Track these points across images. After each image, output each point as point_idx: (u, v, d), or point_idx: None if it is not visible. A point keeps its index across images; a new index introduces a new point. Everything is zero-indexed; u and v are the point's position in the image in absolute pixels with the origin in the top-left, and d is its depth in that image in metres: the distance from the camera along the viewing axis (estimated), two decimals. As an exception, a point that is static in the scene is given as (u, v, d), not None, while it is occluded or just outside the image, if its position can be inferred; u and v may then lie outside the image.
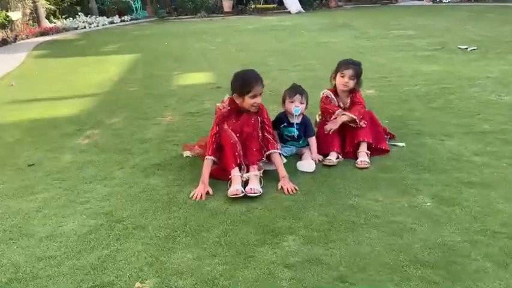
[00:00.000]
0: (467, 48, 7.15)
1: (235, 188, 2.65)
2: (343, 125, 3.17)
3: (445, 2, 17.59)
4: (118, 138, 3.81)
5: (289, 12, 16.62)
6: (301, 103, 3.15)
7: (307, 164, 2.96)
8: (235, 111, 2.99)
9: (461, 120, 3.83)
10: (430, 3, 17.78)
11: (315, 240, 2.17)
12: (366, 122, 3.15)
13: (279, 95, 4.96)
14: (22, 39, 12.03)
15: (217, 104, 3.16)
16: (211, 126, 3.02)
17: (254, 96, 2.88)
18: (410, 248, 2.07)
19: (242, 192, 2.62)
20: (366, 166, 2.95)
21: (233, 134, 2.89)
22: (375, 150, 3.14)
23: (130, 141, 3.70)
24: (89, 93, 5.45)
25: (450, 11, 13.45)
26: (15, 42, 11.29)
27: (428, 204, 2.46)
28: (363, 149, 3.06)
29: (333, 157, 3.04)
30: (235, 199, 2.59)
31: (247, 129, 2.89)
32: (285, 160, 3.00)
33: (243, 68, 5.44)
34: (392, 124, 3.79)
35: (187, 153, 3.31)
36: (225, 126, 2.92)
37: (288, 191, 2.68)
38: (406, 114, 4.07)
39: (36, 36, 12.65)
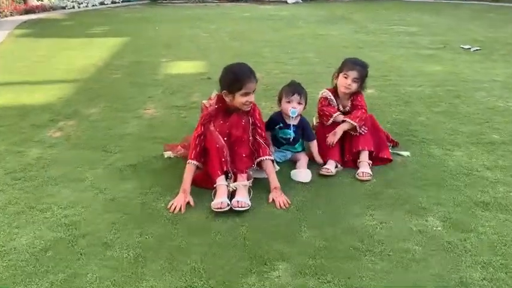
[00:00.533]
0: (470, 49, 6.86)
1: (220, 200, 2.32)
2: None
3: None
4: (94, 132, 3.44)
5: (286, 1, 16.18)
6: (299, 103, 2.82)
7: (302, 174, 2.63)
8: (224, 110, 2.63)
9: (468, 127, 3.54)
10: (431, -1, 17.44)
11: (309, 271, 1.85)
12: (366, 129, 2.83)
13: (273, 90, 4.65)
14: (6, 16, 11.46)
15: (204, 102, 2.81)
16: (197, 122, 2.68)
17: (246, 94, 2.53)
18: (422, 285, 1.77)
19: (228, 205, 2.29)
20: (367, 178, 2.63)
21: (220, 136, 2.54)
22: (376, 159, 2.83)
23: (106, 136, 3.34)
24: (69, 78, 5.04)
25: (452, 9, 13.12)
26: (-3, 19, 10.73)
27: (439, 228, 2.16)
28: (364, 159, 2.75)
29: (331, 166, 2.72)
30: (219, 213, 2.26)
31: (236, 132, 2.55)
32: (277, 168, 2.67)
33: (236, 58, 5.05)
34: (394, 129, 3.48)
35: (168, 153, 2.97)
36: (211, 127, 2.56)
37: (280, 205, 2.36)
38: (410, 118, 3.76)
39: (21, 14, 12.06)
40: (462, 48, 6.94)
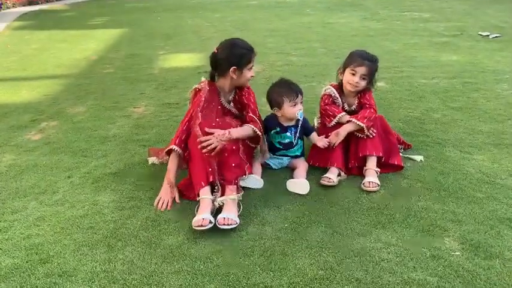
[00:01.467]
0: (488, 36, 6.40)
1: (202, 216, 2.01)
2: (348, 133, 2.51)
3: (460, -17, 16.59)
4: (76, 134, 3.16)
5: (295, -12, 15.65)
6: (301, 103, 2.51)
7: (300, 185, 2.31)
8: (217, 100, 2.40)
9: (489, 126, 3.17)
10: (445, -17, 16.75)
11: (301, 310, 1.55)
12: (375, 131, 2.49)
13: (275, 84, 4.32)
14: (8, 8, 11.26)
15: (196, 85, 2.50)
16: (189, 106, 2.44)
17: (251, 68, 2.40)
18: (436, 332, 1.46)
19: (210, 222, 1.99)
20: (375, 189, 2.30)
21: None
22: (385, 166, 2.49)
23: (89, 139, 3.06)
24: (58, 74, 4.77)
25: (467, -7, 12.50)
26: (-1, 10, 10.54)
27: (457, 253, 1.83)
28: (371, 166, 2.41)
29: (333, 175, 2.39)
30: (201, 234, 1.97)
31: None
32: (260, 184, 2.36)
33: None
34: (407, 128, 3.14)
35: (152, 159, 2.68)
36: (196, 128, 2.25)
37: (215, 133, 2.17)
38: (424, 116, 3.40)
39: (24, 5, 11.88)
40: (480, 35, 6.48)
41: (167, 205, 2.20)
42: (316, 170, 2.53)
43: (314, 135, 2.59)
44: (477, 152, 2.76)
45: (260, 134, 2.39)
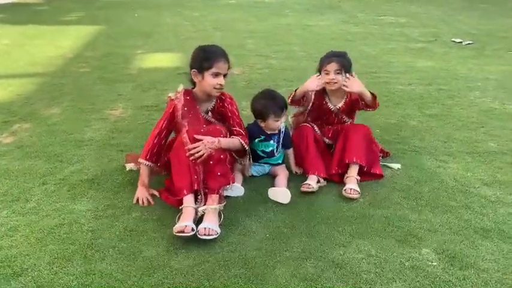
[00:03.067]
0: (461, 42, 6.59)
1: (185, 223, 1.99)
2: (338, 135, 2.58)
3: (435, -12, 17.01)
4: (51, 137, 3.07)
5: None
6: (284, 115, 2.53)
7: (281, 194, 2.31)
8: (193, 105, 2.34)
9: (463, 134, 3.26)
10: (420, -12, 17.13)
11: (283, 324, 1.55)
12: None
13: (255, 88, 4.27)
14: (-23, 0, 10.82)
15: (170, 94, 2.47)
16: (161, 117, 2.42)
17: (216, 75, 2.27)
18: None
19: (192, 230, 1.97)
20: (355, 196, 2.33)
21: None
22: (366, 174, 2.53)
23: (64, 143, 2.98)
24: (32, 72, 4.62)
25: (442, -1, 12.84)
26: (-34, 3, 10.12)
27: (434, 263, 1.87)
28: (353, 173, 2.44)
29: (312, 182, 2.40)
30: (182, 245, 1.94)
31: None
32: (241, 192, 2.35)
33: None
34: (385, 135, 3.19)
35: (130, 165, 2.63)
36: (184, 134, 2.22)
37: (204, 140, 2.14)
38: (401, 122, 3.47)
39: (-6, -2, 11.42)
40: (454, 41, 6.67)
41: (148, 201, 2.25)
42: (296, 178, 2.55)
43: (291, 155, 2.62)
44: (452, 161, 2.84)
45: (247, 148, 2.38)
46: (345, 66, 2.58)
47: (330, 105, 2.71)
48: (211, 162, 2.18)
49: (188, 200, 2.11)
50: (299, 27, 7.80)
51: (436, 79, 4.65)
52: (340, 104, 2.70)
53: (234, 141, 2.33)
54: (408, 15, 9.42)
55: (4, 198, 2.30)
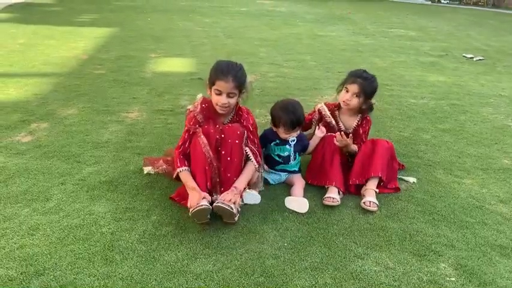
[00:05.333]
0: (473, 58, 6.62)
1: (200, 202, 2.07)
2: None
3: (443, 3, 17.12)
4: (68, 138, 3.09)
5: (284, -3, 15.79)
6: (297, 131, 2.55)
7: (298, 203, 2.33)
8: (211, 112, 2.37)
9: (477, 150, 3.27)
10: (429, 2, 17.27)
11: (304, 333, 1.56)
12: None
13: (268, 95, 4.34)
14: (-9, -2, 10.92)
15: (189, 107, 2.50)
16: (183, 129, 2.41)
17: (218, 93, 2.27)
18: None
19: (209, 205, 2.08)
20: (374, 209, 2.34)
21: (210, 150, 2.25)
22: (382, 188, 2.54)
23: (82, 144, 3.00)
24: (47, 72, 4.66)
25: (451, 14, 12.92)
26: (-19, 1, 10.22)
27: (452, 279, 1.88)
28: (372, 186, 2.45)
29: (335, 194, 2.40)
30: (201, 249, 1.95)
31: (227, 148, 2.27)
32: (258, 200, 2.36)
33: (230, 57, 4.75)
34: (399, 148, 3.20)
35: (148, 169, 2.65)
36: (201, 135, 2.26)
37: (224, 199, 2.12)
38: (414, 136, 3.48)
39: (8, -3, 11.54)
40: (465, 57, 6.69)
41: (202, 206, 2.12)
42: (312, 188, 2.56)
43: (311, 141, 2.64)
44: (466, 176, 2.85)
45: (258, 167, 2.38)
46: (366, 92, 2.58)
47: (342, 127, 2.72)
48: (228, 174, 2.25)
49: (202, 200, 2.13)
50: (310, 37, 7.85)
51: (448, 94, 4.67)
52: (351, 130, 2.71)
53: (249, 172, 2.32)
54: (418, 28, 9.46)
55: (24, 197, 2.32)
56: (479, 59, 6.55)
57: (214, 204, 2.09)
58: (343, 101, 2.62)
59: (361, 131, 2.67)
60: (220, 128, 2.30)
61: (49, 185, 2.45)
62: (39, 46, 5.87)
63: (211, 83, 2.30)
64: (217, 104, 2.30)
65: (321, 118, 2.75)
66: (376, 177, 2.45)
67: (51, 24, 7.63)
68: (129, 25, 7.99)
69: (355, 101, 2.59)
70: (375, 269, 1.91)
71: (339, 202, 2.38)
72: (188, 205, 2.10)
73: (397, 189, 2.57)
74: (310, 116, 2.81)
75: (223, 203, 2.07)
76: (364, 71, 2.65)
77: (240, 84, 2.30)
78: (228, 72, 2.25)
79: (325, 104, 2.80)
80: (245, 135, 2.34)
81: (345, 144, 2.54)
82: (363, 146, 2.60)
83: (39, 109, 3.59)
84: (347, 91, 2.60)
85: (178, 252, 1.95)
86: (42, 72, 4.64)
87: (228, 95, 2.27)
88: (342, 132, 2.54)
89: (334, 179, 2.45)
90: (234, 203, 2.11)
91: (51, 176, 2.55)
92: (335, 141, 2.52)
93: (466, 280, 1.87)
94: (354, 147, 2.60)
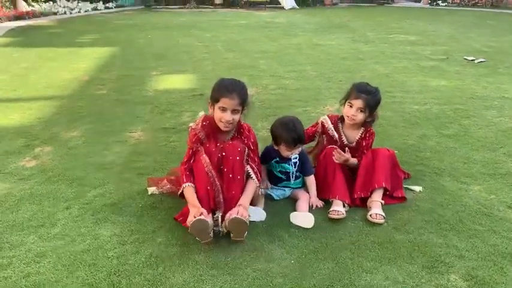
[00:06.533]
0: (474, 60, 6.60)
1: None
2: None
3: (442, 5, 17.16)
4: (72, 160, 3.11)
5: (282, 7, 15.93)
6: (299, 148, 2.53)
7: (304, 218, 2.31)
8: (212, 130, 2.37)
9: (483, 155, 3.24)
10: (427, 5, 17.33)
11: None
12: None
13: (270, 108, 4.35)
14: (-6, 22, 11.12)
15: (190, 124, 2.51)
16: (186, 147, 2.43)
17: (223, 110, 2.29)
18: None
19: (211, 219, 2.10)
20: (381, 221, 2.32)
21: (212, 169, 2.25)
22: (388, 198, 2.51)
23: (86, 166, 3.01)
24: (50, 95, 4.71)
25: (450, 16, 12.94)
26: (-16, 26, 10.39)
27: (464, 291, 1.85)
28: (377, 198, 2.43)
29: (340, 207, 2.39)
30: (208, 270, 1.94)
31: (229, 165, 2.26)
32: (263, 217, 2.35)
33: (231, 71, 4.77)
34: (404, 156, 3.18)
35: (152, 189, 2.65)
36: (203, 153, 2.28)
37: (236, 213, 2.10)
38: (418, 143, 3.46)
39: (10, 21, 11.74)
40: (466, 59, 6.68)
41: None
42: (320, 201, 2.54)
43: (312, 183, 2.56)
44: (473, 182, 2.82)
45: (258, 185, 2.38)
46: (370, 107, 2.56)
47: (345, 140, 2.71)
48: (233, 192, 2.24)
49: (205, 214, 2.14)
50: (310, 47, 7.88)
51: (451, 98, 4.65)
52: (354, 143, 2.69)
53: (251, 190, 2.31)
54: (418, 33, 9.48)
55: (30, 224, 2.32)
56: (481, 61, 6.53)
57: (229, 218, 2.07)
58: (348, 116, 2.60)
59: (364, 144, 2.65)
60: (221, 146, 2.31)
61: (54, 210, 2.45)
62: (42, 69, 5.94)
63: (215, 100, 2.31)
64: (221, 121, 2.31)
65: (324, 131, 2.74)
66: (381, 188, 2.43)
67: (53, 46, 7.73)
68: (130, 44, 8.08)
69: (360, 116, 2.58)
70: (384, 283, 1.88)
71: (345, 215, 2.36)
72: (187, 221, 2.10)
73: (403, 199, 2.54)
74: (313, 128, 2.79)
75: (236, 216, 2.06)
76: (367, 84, 2.64)
77: (244, 101, 2.33)
78: (233, 89, 2.29)
79: (328, 116, 2.78)
80: (246, 151, 2.34)
81: (344, 160, 2.52)
82: (364, 158, 2.58)
83: (42, 133, 3.62)
84: (351, 106, 2.58)
85: (185, 274, 1.93)
86: (45, 96, 4.68)
87: (233, 112, 2.29)
88: (339, 150, 2.52)
89: (338, 192, 2.43)
90: (244, 215, 2.11)
91: (56, 201, 2.55)
92: (334, 159, 2.50)
93: (478, 291, 1.84)
94: (354, 161, 2.58)
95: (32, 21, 11.72)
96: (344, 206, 2.43)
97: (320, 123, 2.77)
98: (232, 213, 2.11)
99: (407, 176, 2.83)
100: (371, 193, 2.46)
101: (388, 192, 2.48)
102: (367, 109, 2.55)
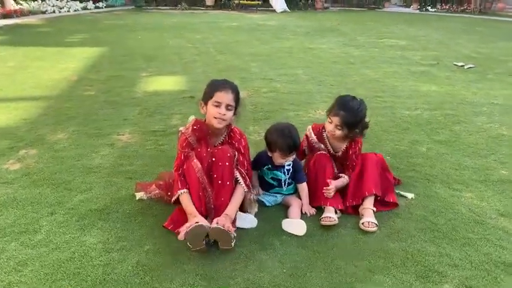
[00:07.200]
0: (463, 66, 6.65)
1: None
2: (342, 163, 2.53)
3: (431, 11, 17.34)
4: (58, 164, 3.02)
5: (274, 10, 15.94)
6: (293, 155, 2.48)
7: (296, 225, 2.26)
8: (202, 135, 2.32)
9: (474, 161, 3.24)
10: (417, 11, 17.49)
11: None
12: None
13: (261, 112, 4.30)
14: (-20, 21, 10.91)
15: (181, 128, 2.45)
16: (176, 151, 2.39)
17: (217, 105, 2.25)
18: None
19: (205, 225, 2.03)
20: (373, 229, 2.28)
21: (204, 174, 2.21)
22: (380, 204, 2.48)
23: (72, 170, 2.93)
24: (37, 95, 4.60)
25: (439, 22, 13.06)
26: (-30, 24, 10.19)
27: (458, 301, 1.82)
28: (369, 205, 2.39)
29: (332, 214, 2.35)
30: (198, 280, 1.88)
31: (218, 171, 2.23)
32: (254, 224, 2.30)
33: (222, 73, 4.70)
34: (395, 162, 3.16)
35: (140, 194, 2.58)
36: (194, 159, 2.24)
37: (216, 222, 2.06)
38: (410, 149, 3.44)
39: (-2, 19, 11.53)
40: (455, 65, 6.72)
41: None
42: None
43: (304, 191, 2.51)
44: (465, 189, 2.80)
45: (247, 191, 2.32)
46: (348, 125, 2.44)
47: (331, 149, 2.65)
48: (222, 198, 2.22)
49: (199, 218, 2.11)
50: (301, 50, 7.86)
51: (441, 104, 4.66)
52: (340, 153, 2.64)
53: (239, 197, 2.27)
54: (408, 38, 9.54)
55: (12, 230, 2.23)
56: (470, 67, 6.58)
57: (211, 227, 2.04)
58: (328, 132, 2.56)
59: (351, 152, 2.60)
60: (211, 151, 2.26)
61: (38, 216, 2.37)
62: (29, 68, 5.82)
63: (209, 96, 2.28)
64: (214, 117, 2.27)
65: (309, 143, 2.67)
66: (372, 195, 2.40)
67: (41, 46, 7.60)
68: (119, 44, 7.97)
69: (338, 133, 2.50)
70: (378, 293, 1.85)
71: (337, 221, 2.32)
72: (184, 227, 2.06)
73: (395, 205, 2.51)
74: (303, 143, 2.67)
75: (217, 226, 2.02)
76: (353, 98, 2.52)
77: (238, 98, 2.32)
78: (228, 85, 2.31)
79: (312, 127, 2.69)
80: (236, 157, 2.30)
81: (334, 190, 2.45)
82: (352, 167, 2.54)
83: (28, 135, 3.52)
84: (330, 122, 2.51)
85: (173, 283, 1.87)
86: (32, 96, 4.58)
87: (227, 107, 2.26)
88: (326, 188, 2.44)
89: (329, 199, 2.40)
90: (229, 228, 2.06)
91: (40, 206, 2.47)
92: (325, 195, 2.42)
93: (472, 302, 1.81)
94: (345, 181, 2.52)
95: (20, 20, 11.53)
96: (336, 212, 2.39)
97: (305, 137, 2.70)
98: (214, 223, 2.07)
99: (397, 182, 2.80)
100: (362, 200, 2.42)
101: (379, 198, 2.45)
102: (345, 127, 2.45)
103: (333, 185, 2.44)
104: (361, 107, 2.48)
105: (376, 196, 2.44)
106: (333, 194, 2.42)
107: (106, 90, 4.85)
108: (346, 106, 2.46)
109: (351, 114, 2.44)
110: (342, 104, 2.47)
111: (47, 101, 4.43)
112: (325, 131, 2.62)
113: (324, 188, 2.42)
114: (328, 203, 2.40)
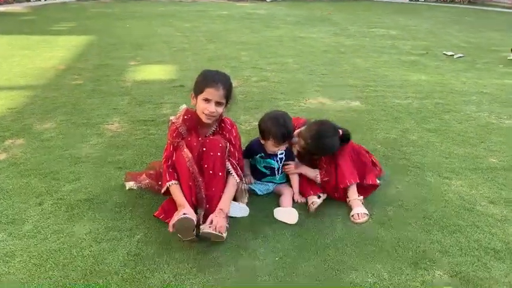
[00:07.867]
0: (453, 55, 6.67)
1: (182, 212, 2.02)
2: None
3: (421, 1, 17.35)
4: (45, 153, 2.96)
5: (264, -1, 15.79)
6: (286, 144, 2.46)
7: (287, 213, 2.26)
8: (193, 124, 2.28)
9: (464, 149, 3.26)
10: (407, 1, 17.49)
11: None
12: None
13: (252, 101, 4.27)
14: (-37, 8, 10.62)
15: (171, 117, 2.41)
16: (166, 140, 2.33)
17: (206, 101, 2.20)
18: None
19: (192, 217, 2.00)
20: (364, 220, 2.28)
21: (194, 164, 2.17)
22: (363, 189, 2.46)
23: (60, 160, 2.88)
24: (23, 84, 4.50)
25: (429, 12, 13.07)
26: (-48, 11, 9.90)
27: (449, 287, 1.83)
28: (354, 195, 2.38)
29: (314, 198, 2.37)
30: (189, 269, 1.86)
31: (210, 161, 2.19)
32: (246, 213, 2.29)
33: (212, 62, 4.61)
34: (386, 151, 3.17)
35: (130, 184, 2.54)
36: (185, 149, 2.19)
37: (215, 228, 2.01)
38: (401, 138, 3.45)
39: (-19, 6, 11.23)
40: (445, 54, 6.74)
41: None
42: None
43: (295, 181, 2.50)
44: (455, 177, 2.82)
45: (239, 181, 2.30)
46: (309, 151, 2.44)
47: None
48: (213, 189, 2.18)
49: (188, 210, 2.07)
50: (291, 39, 7.81)
51: (431, 93, 4.68)
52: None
53: (232, 189, 2.24)
54: (398, 27, 9.53)
55: (-1, 221, 2.19)
56: (459, 56, 6.61)
57: (202, 231, 2.01)
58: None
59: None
60: (202, 141, 2.23)
61: (26, 206, 2.33)
62: (15, 57, 5.69)
63: (199, 91, 2.22)
64: (203, 113, 2.22)
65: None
66: (351, 185, 2.38)
67: (26, 34, 7.42)
68: (107, 32, 7.83)
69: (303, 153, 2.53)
70: (370, 280, 1.85)
71: (320, 202, 2.34)
72: (172, 220, 2.02)
73: (375, 186, 2.50)
74: None
75: (214, 231, 1.99)
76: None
77: (228, 94, 2.25)
78: (219, 80, 2.22)
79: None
80: (227, 147, 2.27)
81: (294, 172, 2.48)
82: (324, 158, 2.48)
83: (14, 124, 3.45)
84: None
85: (165, 273, 1.85)
86: (17, 85, 4.47)
87: (217, 104, 2.21)
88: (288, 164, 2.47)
89: (309, 189, 2.44)
90: (221, 228, 2.03)
91: (27, 196, 2.42)
92: (285, 171, 2.48)
93: (463, 287, 1.83)
94: (312, 174, 2.49)
95: (4, 8, 11.25)
96: (319, 196, 2.39)
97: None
98: (208, 222, 2.05)
99: (379, 171, 2.74)
100: (346, 192, 2.41)
101: (358, 182, 2.41)
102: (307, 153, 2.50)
103: (294, 164, 2.48)
104: (314, 138, 2.38)
105: (357, 184, 2.42)
106: (293, 170, 2.47)
107: (94, 79, 4.76)
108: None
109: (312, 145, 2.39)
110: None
111: (33, 90, 4.33)
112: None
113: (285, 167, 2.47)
114: (312, 192, 2.41)
